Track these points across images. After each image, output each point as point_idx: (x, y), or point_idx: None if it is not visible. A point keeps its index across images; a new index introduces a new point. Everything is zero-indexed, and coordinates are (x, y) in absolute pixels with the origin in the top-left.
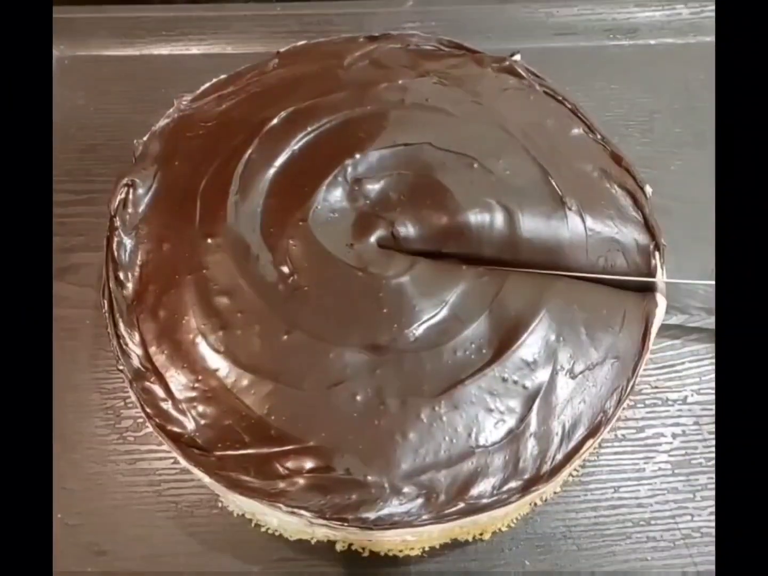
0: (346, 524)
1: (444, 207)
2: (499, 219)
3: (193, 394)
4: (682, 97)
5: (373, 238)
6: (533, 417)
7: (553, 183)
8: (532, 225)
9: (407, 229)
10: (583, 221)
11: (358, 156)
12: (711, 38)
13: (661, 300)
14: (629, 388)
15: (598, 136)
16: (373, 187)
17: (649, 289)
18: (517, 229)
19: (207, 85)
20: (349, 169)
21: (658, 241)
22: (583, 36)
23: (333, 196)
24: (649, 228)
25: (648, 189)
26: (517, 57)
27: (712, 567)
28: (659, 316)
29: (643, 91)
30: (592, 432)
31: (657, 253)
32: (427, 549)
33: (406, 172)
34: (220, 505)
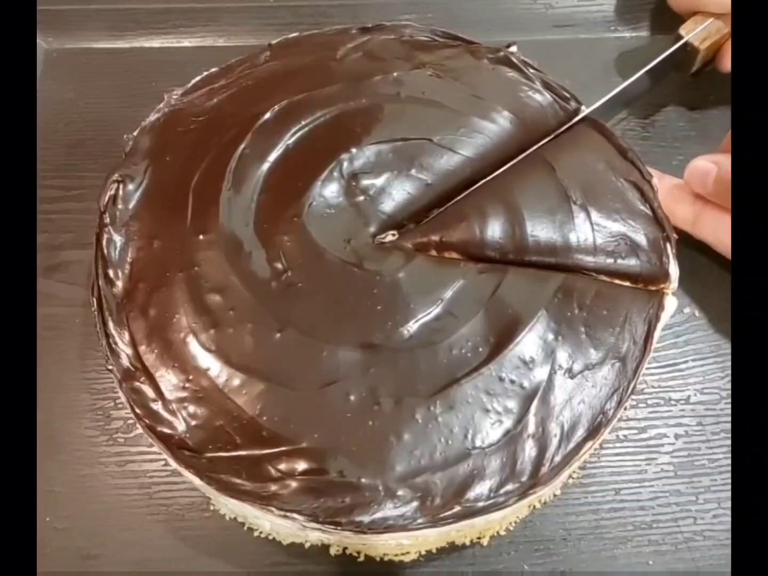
0: (339, 528)
1: (445, 204)
2: (501, 215)
3: (184, 394)
4: (685, 89)
5: (369, 235)
6: (531, 417)
7: (558, 176)
8: (536, 221)
9: (405, 226)
10: (589, 216)
11: (354, 150)
12: None
13: (670, 302)
14: (630, 390)
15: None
16: (371, 182)
17: (660, 290)
18: (521, 226)
19: (197, 78)
20: (345, 164)
21: (669, 234)
22: (582, 28)
23: (329, 191)
24: (658, 221)
25: (655, 182)
26: (514, 48)
27: (715, 571)
28: (665, 319)
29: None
30: (592, 433)
31: (668, 246)
32: (423, 553)
33: (404, 168)
34: (212, 508)
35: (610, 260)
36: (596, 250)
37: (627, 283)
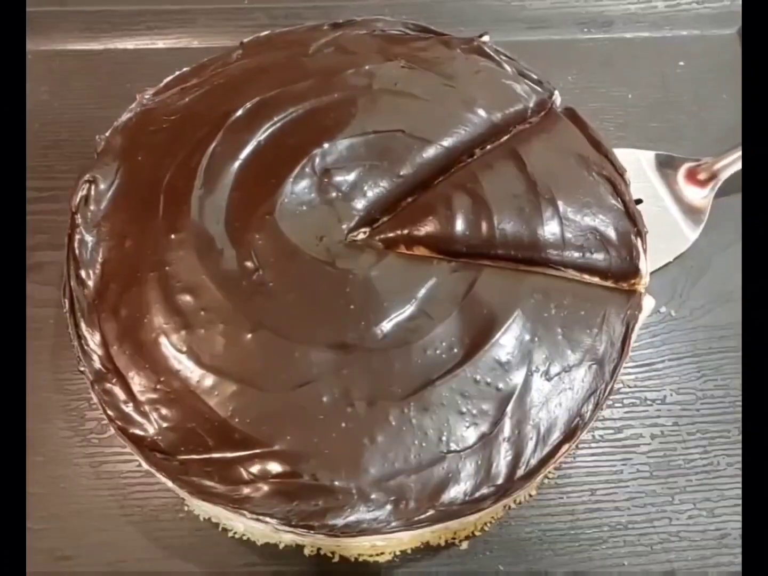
0: (312, 531)
1: (416, 197)
2: (468, 208)
3: (156, 395)
4: (658, 91)
5: (342, 232)
6: (507, 420)
7: (528, 170)
8: (504, 214)
9: (378, 222)
10: (557, 210)
11: (326, 145)
12: (687, 32)
13: (647, 302)
14: (607, 392)
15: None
16: (344, 178)
17: (635, 290)
18: (488, 219)
19: (169, 78)
20: (317, 160)
21: (640, 229)
22: (556, 29)
23: (301, 188)
24: (629, 215)
25: (628, 176)
26: (486, 38)
27: (690, 571)
28: (642, 320)
29: (618, 85)
30: (568, 436)
31: (639, 241)
32: (398, 553)
33: (377, 161)
34: (186, 509)
35: (578, 254)
36: (565, 244)
37: (596, 279)
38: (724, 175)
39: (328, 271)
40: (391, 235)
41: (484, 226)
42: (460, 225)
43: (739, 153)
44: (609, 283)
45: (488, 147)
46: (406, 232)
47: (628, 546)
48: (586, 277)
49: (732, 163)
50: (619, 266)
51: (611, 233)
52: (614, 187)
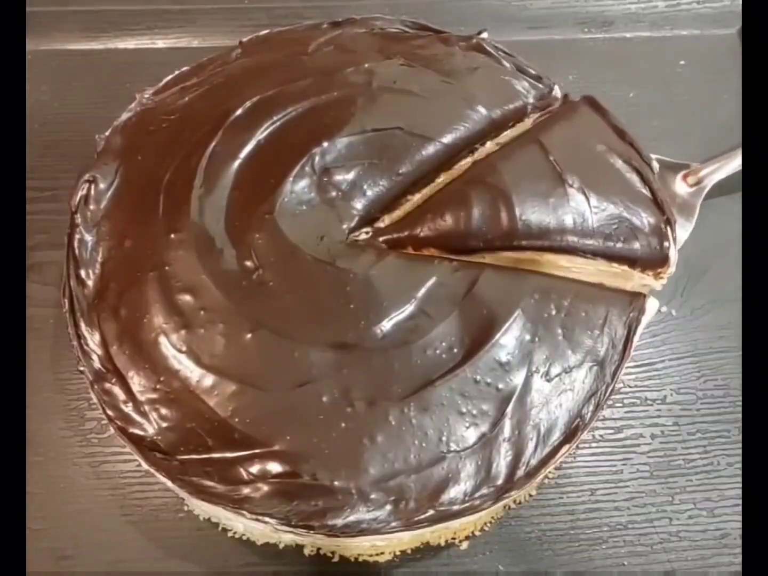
0: (312, 531)
1: (417, 193)
2: (486, 200)
3: (155, 395)
4: (659, 91)
5: (342, 232)
6: (507, 421)
7: (552, 159)
8: (527, 204)
9: (380, 221)
10: (587, 199)
11: (326, 144)
12: (687, 32)
13: (651, 305)
14: (608, 393)
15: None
16: (343, 177)
17: (640, 292)
18: (509, 210)
19: (169, 77)
20: (317, 159)
21: (669, 217)
22: (556, 29)
23: (301, 187)
24: (658, 204)
25: (655, 164)
26: (485, 35)
27: (690, 571)
28: (645, 323)
29: (619, 85)
30: (569, 437)
31: (669, 229)
32: (398, 553)
33: (376, 160)
34: (185, 509)
35: (609, 243)
36: (594, 232)
37: (625, 267)
38: (711, 182)
39: (328, 271)
40: (399, 236)
41: (504, 218)
42: (476, 219)
43: (724, 161)
44: (636, 271)
45: (487, 144)
46: (415, 233)
47: (628, 546)
48: (615, 266)
49: (717, 170)
50: (649, 255)
51: (641, 222)
52: (641, 176)
